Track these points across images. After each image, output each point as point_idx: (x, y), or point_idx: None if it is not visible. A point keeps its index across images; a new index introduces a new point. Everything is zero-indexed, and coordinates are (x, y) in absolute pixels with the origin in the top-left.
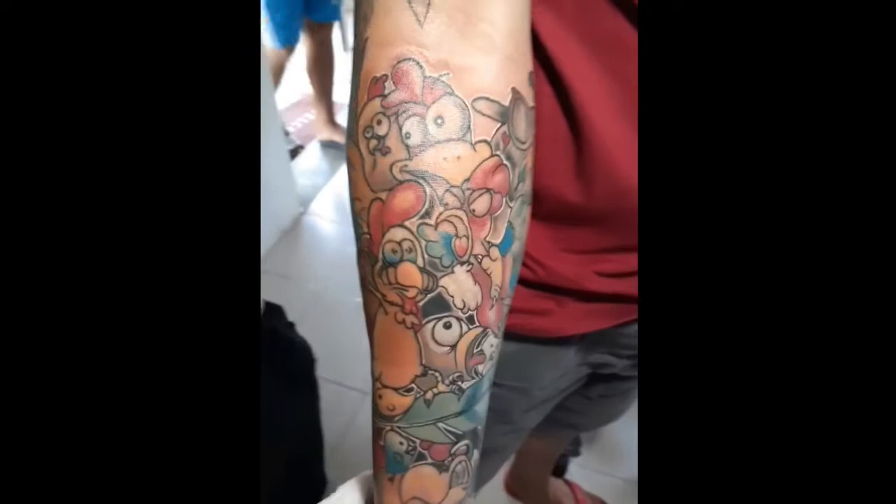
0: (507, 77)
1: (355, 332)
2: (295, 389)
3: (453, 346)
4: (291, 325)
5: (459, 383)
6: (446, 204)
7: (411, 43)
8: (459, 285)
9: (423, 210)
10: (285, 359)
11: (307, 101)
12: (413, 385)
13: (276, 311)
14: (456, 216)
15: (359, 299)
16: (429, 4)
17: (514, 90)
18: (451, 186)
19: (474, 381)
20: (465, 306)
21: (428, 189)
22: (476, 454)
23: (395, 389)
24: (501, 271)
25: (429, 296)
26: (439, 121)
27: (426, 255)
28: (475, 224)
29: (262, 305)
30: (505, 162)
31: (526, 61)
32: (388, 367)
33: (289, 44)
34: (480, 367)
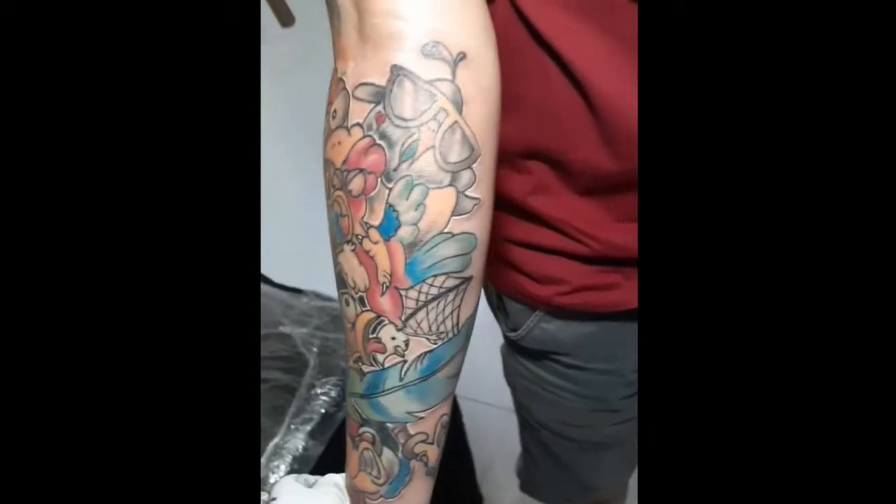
0: (383, 58)
1: (494, 351)
2: None
3: (353, 324)
4: None
5: (360, 365)
6: (334, 185)
7: (339, 57)
8: (348, 263)
9: (326, 191)
10: None
11: None
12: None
13: None
14: (340, 196)
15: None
16: (339, 19)
17: (393, 68)
18: (336, 169)
19: (374, 368)
20: (355, 286)
21: (326, 174)
22: (390, 455)
23: None
24: (388, 256)
25: (335, 269)
26: (334, 113)
27: (330, 232)
28: (353, 204)
29: None
30: (378, 141)
31: (418, 33)
32: None
33: None
34: (380, 357)
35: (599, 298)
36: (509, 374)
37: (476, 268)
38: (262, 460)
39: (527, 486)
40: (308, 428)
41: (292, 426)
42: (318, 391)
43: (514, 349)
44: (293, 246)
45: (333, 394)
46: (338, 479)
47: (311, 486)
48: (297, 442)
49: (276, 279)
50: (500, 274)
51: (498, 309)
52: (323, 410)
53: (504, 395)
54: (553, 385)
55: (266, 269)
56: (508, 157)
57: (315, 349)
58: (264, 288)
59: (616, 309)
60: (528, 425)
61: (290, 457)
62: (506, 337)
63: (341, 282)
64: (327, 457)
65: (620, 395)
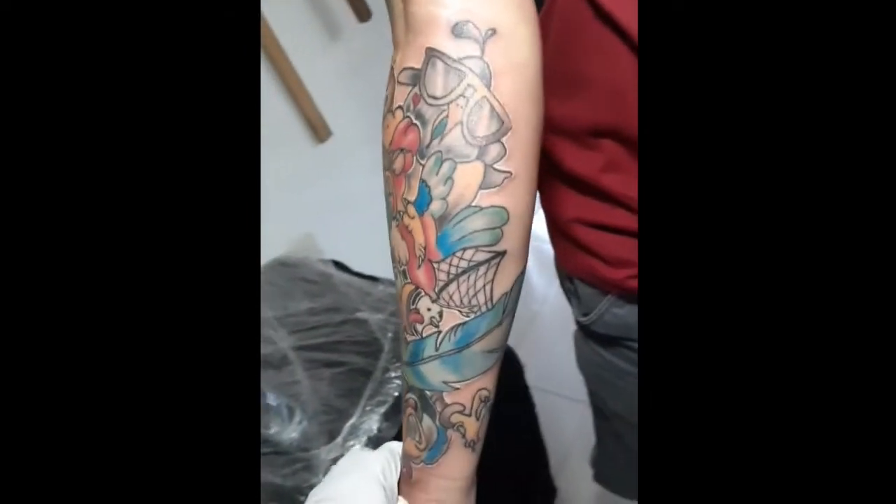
0: (420, 42)
1: (567, 341)
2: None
3: (400, 296)
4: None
5: (405, 334)
6: (384, 166)
7: (394, 48)
8: (395, 238)
9: (383, 174)
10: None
11: None
12: None
13: None
14: (387, 176)
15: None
16: (392, 12)
17: (427, 50)
18: (385, 151)
19: (414, 337)
20: (399, 259)
21: (382, 156)
22: (429, 422)
23: None
24: (422, 231)
25: (390, 245)
26: (386, 100)
27: (386, 211)
28: (396, 182)
29: None
30: (415, 122)
31: (450, 15)
32: None
33: None
34: (419, 327)
35: None
36: (581, 361)
37: (510, 242)
38: (339, 440)
39: (601, 477)
40: (382, 410)
41: (367, 408)
42: (392, 374)
43: (585, 335)
44: (371, 236)
45: None
46: (393, 445)
47: None
48: (372, 423)
49: (355, 268)
50: (571, 256)
51: (570, 293)
52: (396, 393)
53: (581, 388)
54: (625, 372)
55: (345, 258)
56: (577, 135)
57: (390, 334)
58: (343, 276)
59: None
60: (601, 415)
61: (366, 437)
62: (577, 322)
63: (393, 256)
64: (400, 438)
65: None
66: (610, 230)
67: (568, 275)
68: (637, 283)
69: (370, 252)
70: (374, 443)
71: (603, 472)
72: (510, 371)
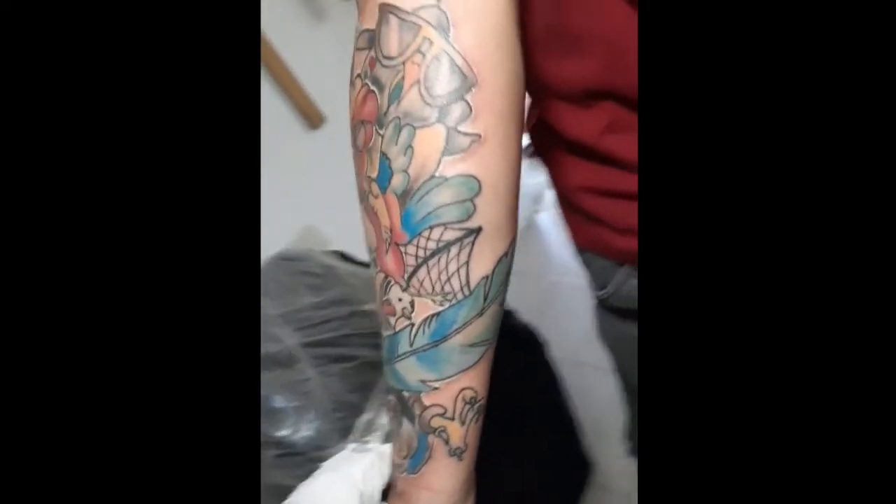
0: (374, 1)
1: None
2: (529, 372)
3: (374, 288)
4: (510, 313)
5: (382, 329)
6: (351, 145)
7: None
8: (364, 223)
9: None
10: (512, 348)
11: None
12: None
13: (507, 314)
14: (354, 155)
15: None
16: None
17: (381, 7)
18: (350, 128)
19: (389, 332)
20: (369, 246)
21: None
22: (409, 427)
23: None
24: (387, 210)
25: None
26: (350, 74)
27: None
28: (360, 159)
29: None
30: (372, 88)
31: None
32: None
33: None
34: (392, 320)
35: None
36: (603, 334)
37: (485, 217)
38: (354, 437)
39: (636, 451)
40: None
41: (381, 403)
42: None
43: (605, 309)
44: None
45: None
46: (385, 448)
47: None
48: (387, 418)
49: (362, 258)
50: (579, 228)
51: (585, 265)
52: None
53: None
54: None
55: (351, 248)
56: (575, 97)
57: None
58: (350, 267)
59: None
60: (629, 389)
61: (382, 432)
62: (595, 296)
63: (367, 243)
64: None
65: None
66: (617, 196)
67: (580, 248)
68: None
69: None
70: (391, 438)
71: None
72: (529, 348)
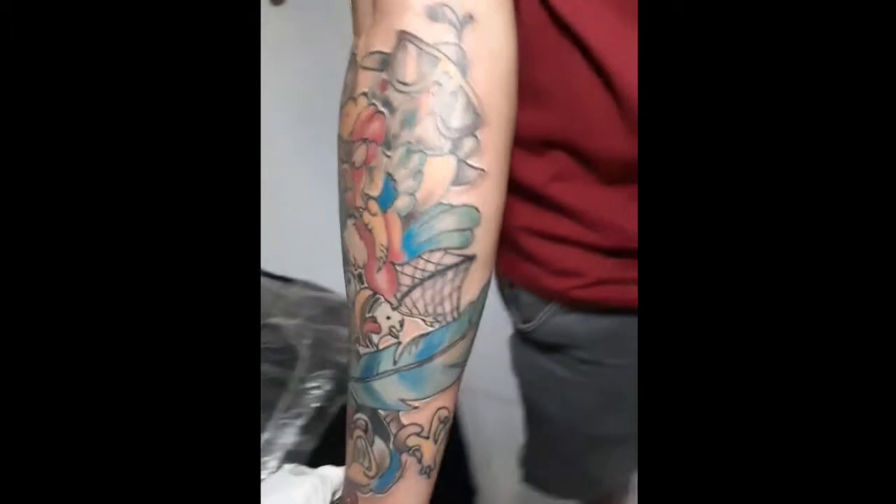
0: (390, 24)
1: (495, 339)
2: None
3: (353, 303)
4: None
5: (357, 346)
6: (341, 158)
7: (355, 34)
8: (351, 238)
9: (338, 168)
10: None
11: None
12: None
13: None
14: (344, 169)
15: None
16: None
17: (399, 33)
18: (343, 142)
19: (369, 350)
20: (355, 262)
21: (338, 149)
22: (381, 446)
23: None
24: (385, 229)
25: (342, 247)
26: (345, 88)
27: (339, 209)
28: (355, 175)
29: None
30: (381, 109)
31: None
32: None
33: None
34: (375, 337)
35: (618, 293)
36: (518, 366)
37: (480, 247)
38: None
39: (530, 478)
40: (300, 423)
41: (282, 421)
42: (310, 385)
43: (524, 341)
44: (283, 232)
45: (328, 387)
46: (326, 470)
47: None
48: (289, 437)
49: (265, 267)
50: (514, 264)
51: (510, 299)
52: (317, 405)
53: (503, 386)
54: (563, 378)
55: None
56: (527, 143)
57: (307, 341)
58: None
59: (635, 305)
60: (535, 418)
61: (281, 452)
62: (516, 328)
63: (345, 259)
64: (320, 452)
65: (634, 391)
66: (556, 240)
67: (510, 282)
68: (582, 293)
69: (282, 250)
70: (292, 458)
71: (533, 474)
72: None
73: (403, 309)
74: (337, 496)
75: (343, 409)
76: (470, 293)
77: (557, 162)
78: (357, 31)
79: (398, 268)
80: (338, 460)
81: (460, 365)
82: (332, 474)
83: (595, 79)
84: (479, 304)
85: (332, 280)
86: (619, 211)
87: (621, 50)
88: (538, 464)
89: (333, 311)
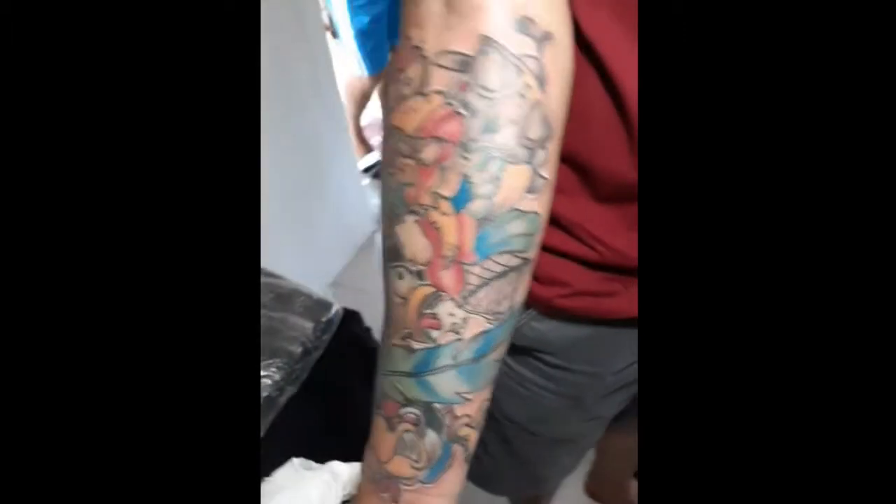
0: (471, 27)
1: None
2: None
3: (405, 298)
4: (368, 329)
5: (410, 341)
6: (401, 153)
7: (412, 24)
8: (408, 234)
9: (388, 160)
10: (367, 360)
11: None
12: (383, 329)
13: (353, 316)
14: (408, 164)
15: None
16: None
17: (482, 38)
18: (406, 136)
19: (426, 345)
20: (413, 258)
21: (391, 141)
22: (434, 438)
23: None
24: (457, 230)
25: (387, 241)
26: (408, 80)
27: (387, 202)
28: (423, 173)
29: (340, 312)
30: (460, 110)
31: (513, 5)
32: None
33: (380, 70)
34: (434, 333)
35: (599, 305)
36: None
37: (535, 251)
38: None
39: (477, 477)
40: None
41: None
42: (260, 374)
43: None
44: None
45: (277, 377)
46: (336, 466)
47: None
48: None
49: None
50: None
51: None
52: (264, 394)
53: None
54: (532, 382)
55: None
56: None
57: None
58: None
59: (612, 316)
60: (491, 418)
61: None
62: None
63: (395, 254)
64: (266, 444)
65: (596, 396)
66: (547, 250)
67: None
68: (564, 302)
69: None
70: None
71: (481, 473)
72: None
73: (468, 307)
74: (346, 492)
75: (292, 400)
76: (521, 293)
77: (559, 175)
78: (418, 23)
79: (467, 267)
80: (286, 451)
81: (502, 358)
82: (341, 470)
83: (608, 99)
84: (523, 304)
85: (284, 267)
86: (609, 228)
87: (635, 70)
88: (487, 463)
89: (284, 298)
